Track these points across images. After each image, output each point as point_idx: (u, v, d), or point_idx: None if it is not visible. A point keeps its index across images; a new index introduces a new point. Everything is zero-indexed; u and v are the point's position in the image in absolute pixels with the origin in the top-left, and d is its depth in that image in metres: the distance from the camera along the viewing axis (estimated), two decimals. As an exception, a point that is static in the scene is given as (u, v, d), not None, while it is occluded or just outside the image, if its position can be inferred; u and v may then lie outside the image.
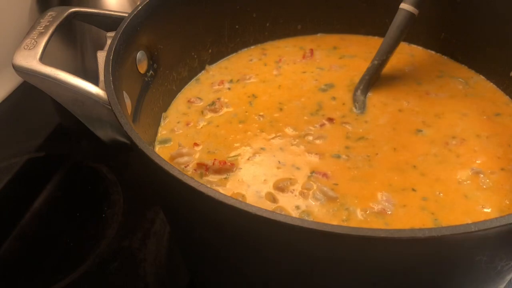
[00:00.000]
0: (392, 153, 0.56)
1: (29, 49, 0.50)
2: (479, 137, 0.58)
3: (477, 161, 0.55)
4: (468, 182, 0.52)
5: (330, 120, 0.60)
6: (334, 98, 0.64)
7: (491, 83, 0.66)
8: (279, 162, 0.55)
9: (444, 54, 0.72)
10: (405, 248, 0.34)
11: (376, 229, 0.32)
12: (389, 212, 0.49)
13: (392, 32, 0.64)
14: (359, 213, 0.49)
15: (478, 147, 0.57)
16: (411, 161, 0.54)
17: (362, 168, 0.54)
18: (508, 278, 0.46)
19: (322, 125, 0.60)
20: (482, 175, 0.53)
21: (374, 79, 0.65)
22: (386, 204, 0.50)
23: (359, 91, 0.64)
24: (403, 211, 0.49)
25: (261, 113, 0.62)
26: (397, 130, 0.59)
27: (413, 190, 0.51)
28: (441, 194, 0.51)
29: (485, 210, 0.49)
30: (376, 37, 0.76)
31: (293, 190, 0.52)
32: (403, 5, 0.63)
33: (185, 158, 0.56)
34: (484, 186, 0.52)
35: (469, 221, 0.37)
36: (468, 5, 0.66)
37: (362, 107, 0.62)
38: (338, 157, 0.55)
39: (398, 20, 0.63)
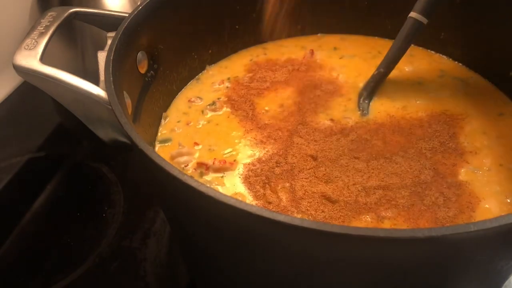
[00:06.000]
0: (395, 153, 0.56)
1: (30, 49, 0.50)
2: (484, 135, 0.58)
3: (483, 159, 0.55)
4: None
5: (332, 120, 0.61)
6: (337, 99, 0.64)
7: (491, 83, 0.66)
8: (279, 160, 0.55)
9: (444, 54, 0.72)
10: (405, 248, 0.34)
11: (376, 229, 0.32)
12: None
13: (401, 41, 0.63)
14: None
15: (482, 146, 0.57)
16: (418, 160, 0.55)
17: (362, 168, 0.54)
18: (508, 278, 0.46)
19: (325, 125, 0.60)
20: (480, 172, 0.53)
21: (379, 86, 0.65)
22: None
23: (363, 98, 0.63)
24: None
25: (266, 108, 0.63)
26: (401, 131, 0.59)
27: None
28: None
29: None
30: (376, 37, 0.76)
31: (292, 190, 0.52)
32: (412, 14, 0.62)
33: (185, 158, 0.56)
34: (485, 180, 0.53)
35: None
36: (468, 5, 0.66)
37: (366, 112, 0.62)
38: (340, 158, 0.55)
39: (406, 29, 0.62)
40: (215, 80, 0.69)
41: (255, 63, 0.72)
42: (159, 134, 0.61)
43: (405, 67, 0.69)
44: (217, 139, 0.59)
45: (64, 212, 0.70)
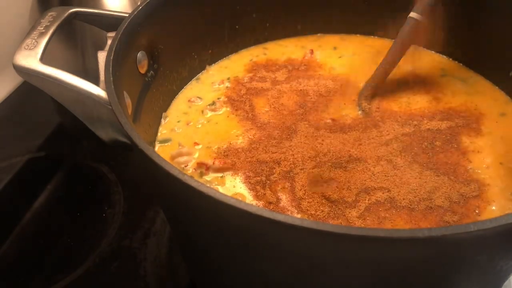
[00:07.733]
0: (401, 153, 0.56)
1: (30, 49, 0.50)
2: (486, 134, 0.58)
3: (485, 159, 0.55)
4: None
5: (333, 119, 0.61)
6: (338, 98, 0.64)
7: (491, 83, 0.66)
8: (280, 160, 0.55)
9: (444, 54, 0.72)
10: (405, 248, 0.34)
11: (376, 229, 0.32)
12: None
13: (401, 41, 0.63)
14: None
15: (485, 145, 0.57)
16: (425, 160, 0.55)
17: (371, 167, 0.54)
18: (508, 278, 0.46)
19: (325, 124, 0.60)
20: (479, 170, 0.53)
21: (379, 86, 0.65)
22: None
23: (363, 97, 0.63)
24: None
25: (266, 108, 0.63)
26: (402, 131, 0.59)
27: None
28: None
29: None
30: (376, 37, 0.76)
31: (292, 190, 0.52)
32: (412, 14, 0.62)
33: (185, 158, 0.56)
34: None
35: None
36: (468, 5, 0.66)
37: (366, 112, 0.62)
38: (340, 158, 0.55)
39: (406, 29, 0.62)
40: (215, 80, 0.69)
41: (255, 63, 0.72)
42: (159, 134, 0.61)
43: (405, 67, 0.69)
44: (217, 139, 0.59)
45: (64, 212, 0.70)
